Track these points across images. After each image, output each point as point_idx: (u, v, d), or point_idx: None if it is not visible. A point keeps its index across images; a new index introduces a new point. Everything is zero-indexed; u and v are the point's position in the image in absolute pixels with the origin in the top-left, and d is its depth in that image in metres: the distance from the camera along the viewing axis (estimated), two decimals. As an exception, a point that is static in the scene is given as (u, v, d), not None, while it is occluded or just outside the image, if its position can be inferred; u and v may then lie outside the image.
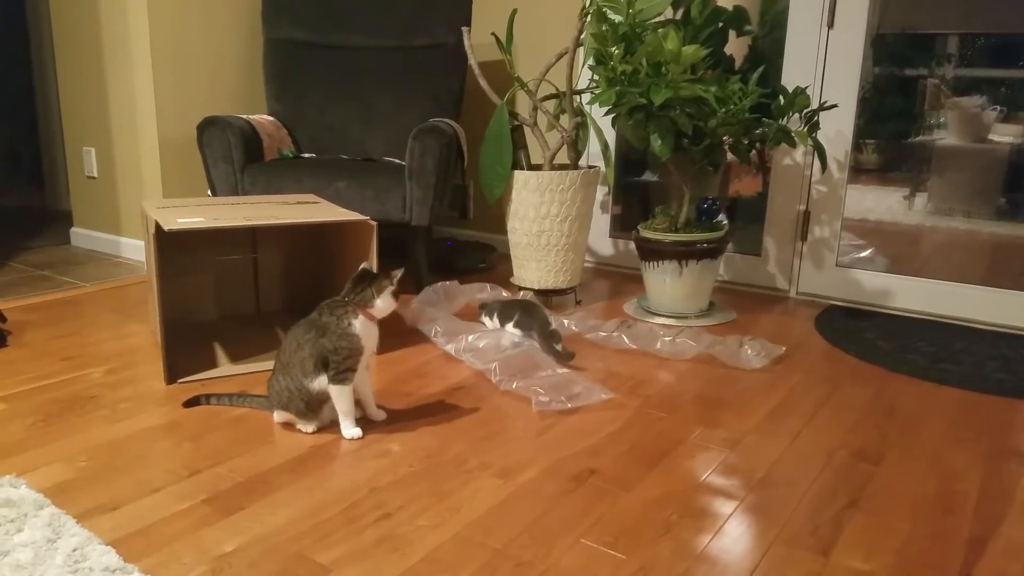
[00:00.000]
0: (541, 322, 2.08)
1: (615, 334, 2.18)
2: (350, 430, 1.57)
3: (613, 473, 1.45)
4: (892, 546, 1.23)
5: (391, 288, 1.56)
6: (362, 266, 1.60)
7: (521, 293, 2.49)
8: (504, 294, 2.48)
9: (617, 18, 2.23)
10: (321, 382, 1.53)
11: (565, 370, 1.90)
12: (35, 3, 3.98)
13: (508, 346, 2.06)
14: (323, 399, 1.56)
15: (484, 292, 2.48)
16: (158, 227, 1.77)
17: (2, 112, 4.35)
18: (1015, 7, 2.48)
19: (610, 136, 2.96)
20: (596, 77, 2.27)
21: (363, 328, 1.54)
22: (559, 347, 2.04)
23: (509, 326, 2.13)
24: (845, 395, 1.87)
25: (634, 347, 2.15)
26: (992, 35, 2.63)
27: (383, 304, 1.55)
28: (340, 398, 1.55)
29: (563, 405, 1.75)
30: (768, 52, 2.71)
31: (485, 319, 2.22)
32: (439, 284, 2.44)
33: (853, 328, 2.40)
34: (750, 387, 1.90)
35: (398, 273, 1.58)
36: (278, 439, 1.56)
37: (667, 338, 2.13)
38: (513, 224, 2.53)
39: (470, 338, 2.07)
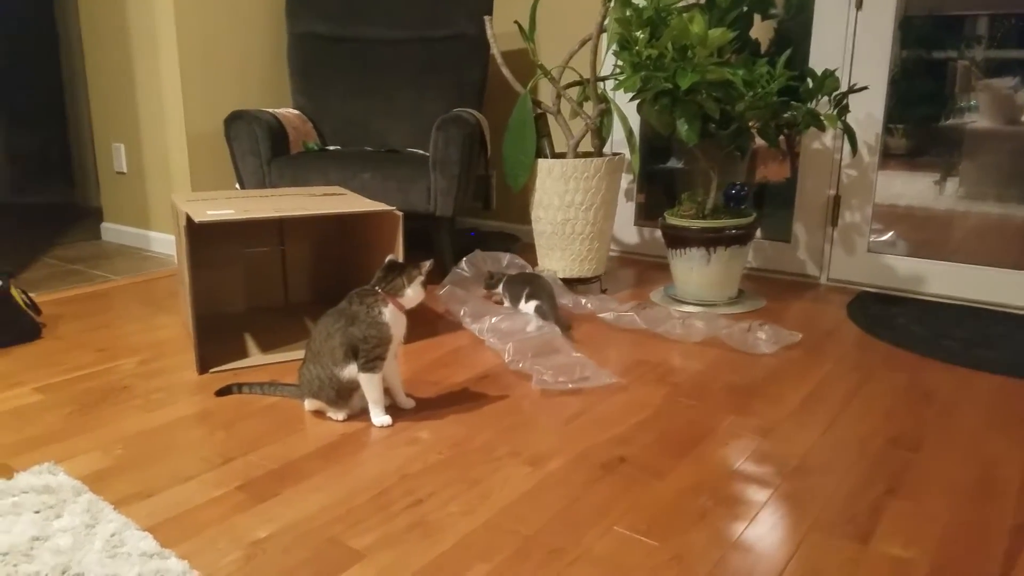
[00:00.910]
0: (548, 294, 2.17)
1: (628, 314, 2.20)
2: (380, 418, 1.58)
3: (644, 461, 1.44)
4: (933, 533, 1.21)
5: (420, 278, 1.56)
6: (389, 257, 1.60)
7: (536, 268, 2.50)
8: (518, 263, 2.49)
9: (641, 3, 2.21)
10: (351, 370, 1.54)
11: (579, 354, 1.90)
12: (63, 1, 4.03)
13: (529, 328, 2.06)
14: (353, 387, 1.56)
15: (506, 259, 2.50)
16: (188, 219, 1.78)
17: (33, 111, 4.42)
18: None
19: (634, 123, 2.93)
20: (620, 63, 2.25)
21: (392, 317, 1.54)
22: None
23: (521, 304, 2.20)
24: (879, 382, 1.84)
25: (644, 327, 2.17)
26: (1022, 15, 2.56)
27: (413, 294, 1.55)
28: (369, 386, 1.56)
29: (564, 386, 1.76)
30: (794, 35, 2.66)
31: (501, 293, 2.29)
32: (464, 260, 2.45)
33: (886, 314, 2.36)
34: (782, 375, 1.88)
35: (427, 264, 1.58)
36: (309, 427, 1.57)
37: (676, 319, 2.12)
38: (537, 213, 2.52)
39: (493, 319, 2.09)
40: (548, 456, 1.45)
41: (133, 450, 1.47)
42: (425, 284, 1.57)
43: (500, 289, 2.31)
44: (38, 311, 2.27)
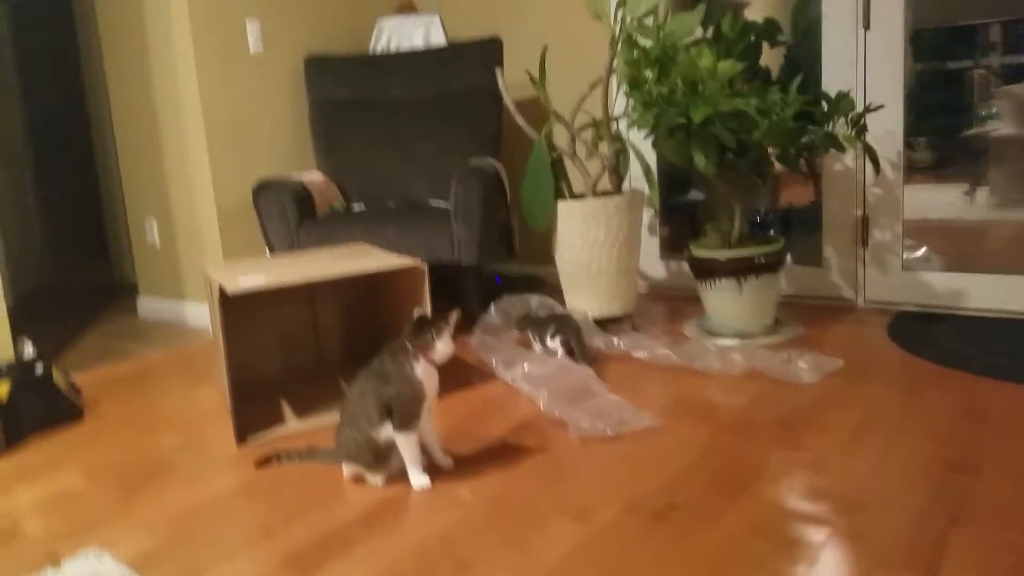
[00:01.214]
0: (575, 329, 2.18)
1: (662, 351, 2.18)
2: (419, 479, 1.56)
3: (695, 507, 1.40)
4: (1007, 562, 1.15)
5: (449, 331, 1.56)
6: (416, 312, 1.60)
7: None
8: (548, 303, 2.48)
9: (648, 43, 2.22)
10: (387, 431, 1.53)
11: (616, 397, 1.86)
12: (94, 83, 4.19)
13: (560, 371, 2.04)
14: (390, 448, 1.55)
15: (535, 301, 2.49)
16: (222, 291, 1.81)
17: (68, 190, 4.57)
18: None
19: (650, 158, 2.93)
20: (632, 102, 2.26)
21: (424, 373, 1.53)
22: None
23: (548, 339, 2.21)
24: (930, 404, 1.78)
25: (680, 363, 2.14)
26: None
27: (443, 347, 1.55)
28: (406, 446, 1.54)
29: (603, 432, 1.72)
30: (803, 60, 2.66)
31: (530, 336, 2.29)
32: (493, 306, 2.45)
33: (928, 333, 2.30)
34: (828, 403, 1.83)
35: (454, 315, 1.57)
36: (349, 493, 1.56)
37: (713, 353, 2.09)
38: (561, 254, 2.51)
39: (526, 366, 2.07)
40: (594, 509, 1.42)
41: (177, 529, 1.47)
42: (454, 336, 1.57)
43: (529, 335, 2.30)
44: (79, 392, 2.30)
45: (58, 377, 2.18)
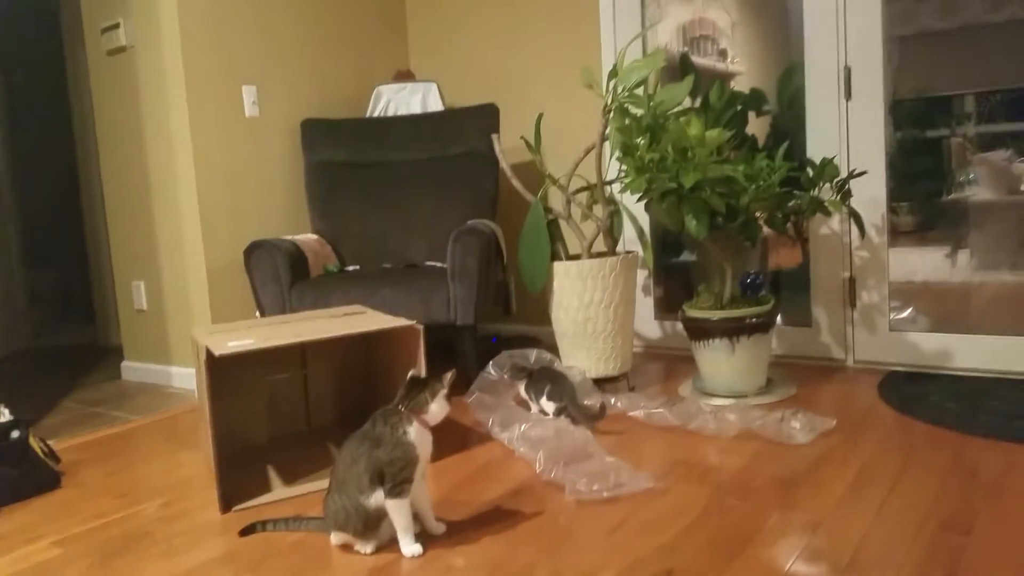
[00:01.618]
0: (569, 391, 2.20)
1: (659, 411, 2.18)
2: (410, 547, 1.51)
3: (693, 571, 1.37)
4: (1013, 629, 1.13)
5: (443, 391, 1.54)
6: (411, 373, 1.58)
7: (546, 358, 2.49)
8: (546, 357, 2.46)
9: (639, 111, 2.29)
10: (378, 497, 1.49)
11: (613, 458, 1.84)
12: (85, 142, 4.23)
13: (557, 433, 2.02)
14: (381, 515, 1.51)
15: (534, 355, 2.47)
16: (209, 353, 1.79)
17: (54, 252, 4.56)
18: (1022, 64, 2.51)
19: (643, 221, 2.98)
20: (625, 167, 2.31)
21: (418, 436, 1.51)
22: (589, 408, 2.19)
23: (543, 400, 2.22)
24: (922, 463, 1.77)
25: (676, 423, 2.14)
26: (1006, 91, 2.65)
27: (437, 408, 1.53)
28: (398, 513, 1.50)
29: (599, 495, 1.70)
30: (789, 128, 2.74)
31: (521, 389, 2.31)
32: (492, 363, 2.44)
33: (918, 392, 2.31)
34: (822, 463, 1.81)
35: (449, 376, 1.56)
36: (337, 563, 1.51)
37: (709, 413, 2.09)
38: (557, 315, 2.52)
39: (523, 427, 2.05)
40: (593, 573, 1.38)
41: (159, 599, 1.41)
42: (449, 397, 1.55)
43: (523, 388, 2.30)
44: (57, 459, 2.24)
45: (35, 443, 2.13)
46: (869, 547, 1.40)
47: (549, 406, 2.21)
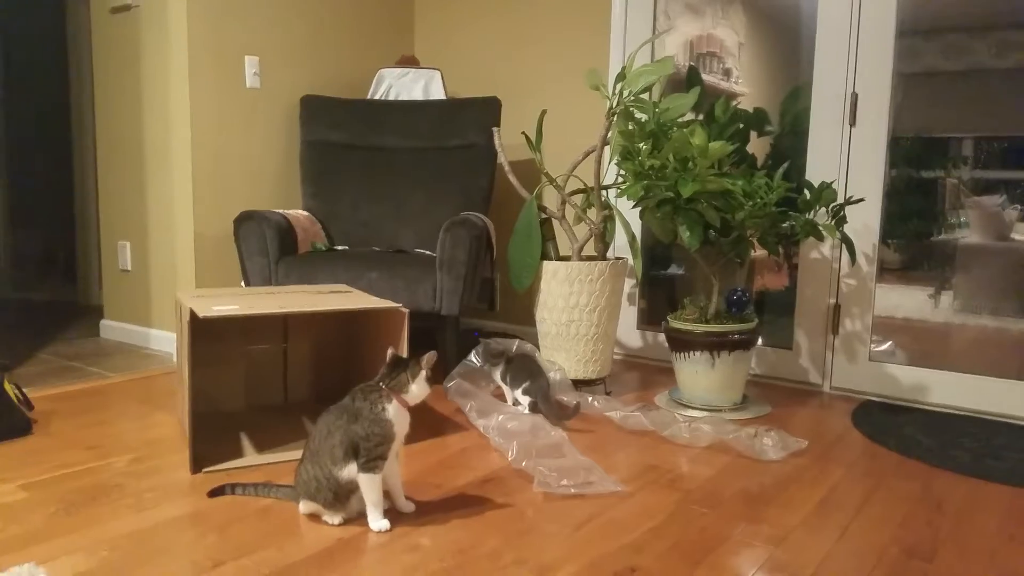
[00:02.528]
0: (544, 389, 2.22)
1: (635, 414, 2.19)
2: (378, 522, 1.52)
3: (655, 571, 1.38)
4: (963, 652, 1.14)
5: (425, 373, 1.55)
6: (391, 352, 1.58)
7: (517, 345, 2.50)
8: (527, 348, 2.48)
9: (643, 117, 2.31)
10: (351, 470, 1.49)
11: (586, 458, 1.86)
12: (80, 107, 4.20)
13: (533, 428, 2.03)
14: (352, 489, 1.51)
15: (515, 345, 2.48)
16: (192, 315, 1.78)
17: (41, 210, 4.51)
18: (1023, 112, 2.55)
19: (636, 229, 3.00)
20: (623, 172, 2.33)
21: (396, 414, 1.51)
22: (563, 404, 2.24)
23: (518, 393, 2.24)
24: (890, 490, 1.79)
25: (651, 428, 2.16)
26: (1005, 138, 2.68)
27: (417, 389, 1.53)
28: (369, 487, 1.51)
29: (567, 490, 1.71)
30: (790, 150, 2.77)
31: (494, 372, 2.32)
32: (474, 351, 2.45)
33: (891, 423, 2.34)
34: (792, 481, 1.83)
35: (431, 357, 1.56)
36: (305, 531, 1.51)
37: (683, 423, 2.11)
38: (542, 314, 2.53)
39: (500, 418, 2.06)
40: (556, 566, 1.39)
41: (120, 552, 1.40)
42: (430, 379, 1.55)
43: (499, 373, 2.31)
44: (31, 406, 2.22)
45: (9, 388, 2.11)
46: (831, 565, 1.42)
47: (524, 399, 2.22)
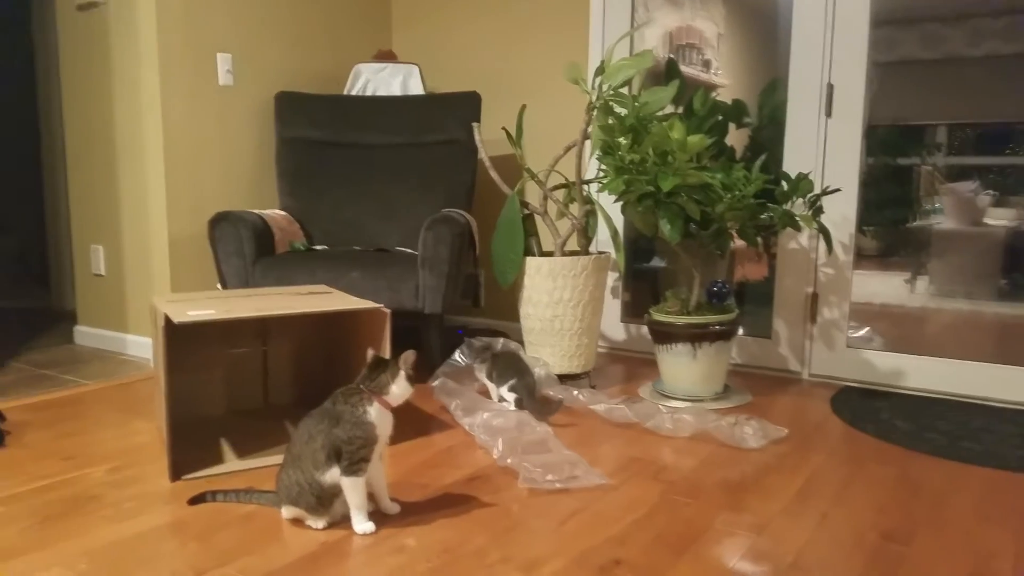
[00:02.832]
0: (530, 386, 2.23)
1: (619, 407, 2.20)
2: (363, 525, 1.50)
3: (641, 563, 1.38)
4: (947, 637, 1.16)
5: (405, 373, 1.53)
6: (371, 353, 1.56)
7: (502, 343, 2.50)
8: (512, 346, 2.48)
9: (623, 111, 2.30)
10: (333, 474, 1.48)
11: (571, 452, 1.86)
12: (49, 108, 4.12)
13: (519, 424, 2.03)
14: (335, 493, 1.50)
15: (500, 343, 2.49)
16: (167, 321, 1.75)
17: (11, 215, 4.43)
18: (996, 99, 2.57)
19: (618, 223, 3.00)
20: (604, 167, 2.32)
21: (378, 416, 1.50)
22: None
23: (503, 390, 2.23)
24: (869, 475, 1.81)
25: (635, 420, 2.17)
26: (978, 124, 2.72)
27: (399, 390, 1.52)
28: (352, 491, 1.49)
29: (552, 485, 1.71)
30: (768, 142, 2.78)
31: (484, 377, 2.31)
32: (458, 349, 2.46)
33: (870, 408, 2.36)
34: (772, 469, 1.84)
35: (411, 356, 1.54)
36: (288, 536, 1.49)
37: (666, 414, 2.12)
38: (526, 310, 2.52)
39: (485, 415, 2.06)
40: (542, 561, 1.39)
41: (99, 565, 1.38)
42: (412, 379, 1.54)
43: (484, 371, 2.31)
44: (3, 418, 2.18)
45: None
46: (812, 551, 1.43)
47: (510, 396, 2.22)
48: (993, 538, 1.49)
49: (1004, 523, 1.55)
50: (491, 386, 2.29)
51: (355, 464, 1.47)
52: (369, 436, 1.48)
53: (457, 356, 2.44)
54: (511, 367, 2.25)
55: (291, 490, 1.51)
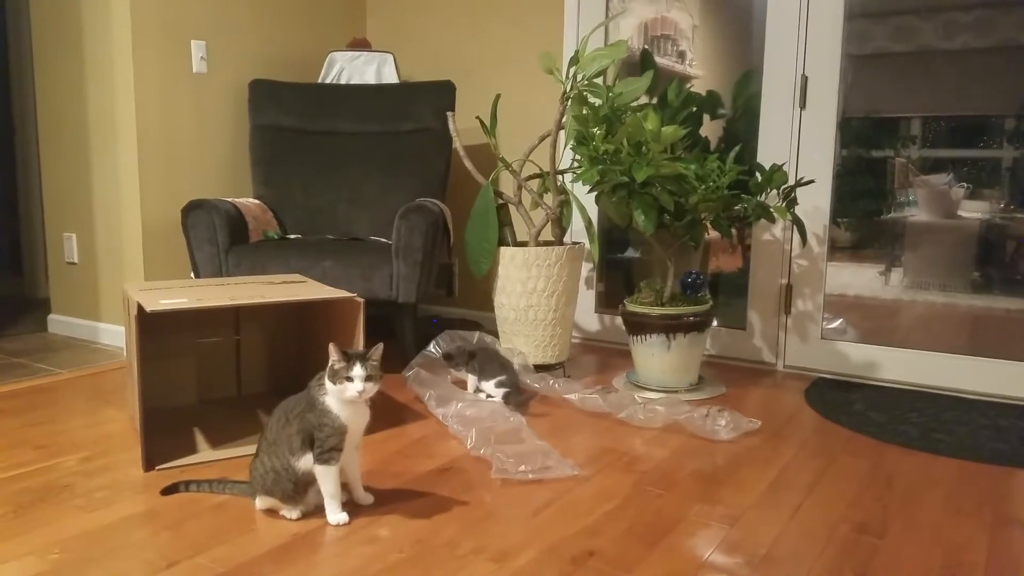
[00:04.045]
0: (516, 382, 2.25)
1: (592, 396, 2.22)
2: (336, 515, 1.50)
3: (613, 554, 1.40)
4: (907, 623, 1.18)
5: (367, 368, 1.46)
6: (332, 347, 1.49)
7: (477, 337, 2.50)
8: (488, 340, 2.49)
9: (597, 101, 2.30)
10: (307, 461, 1.47)
11: (543, 443, 1.87)
12: (22, 95, 4.04)
13: (492, 414, 2.04)
14: (310, 480, 1.50)
15: (475, 337, 2.50)
16: (140, 309, 1.74)
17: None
18: (969, 92, 2.61)
19: (593, 214, 3.00)
20: (578, 157, 2.33)
21: (343, 409, 1.47)
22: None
23: (492, 385, 2.22)
24: (842, 467, 1.84)
25: (607, 410, 2.19)
26: (952, 117, 2.75)
27: (358, 386, 1.45)
28: (325, 479, 1.49)
29: (524, 476, 1.72)
30: (742, 133, 2.80)
31: (464, 372, 2.29)
32: (434, 341, 2.46)
33: (843, 400, 2.39)
34: (745, 461, 1.87)
35: (376, 350, 1.49)
36: (261, 527, 1.49)
37: (639, 404, 2.14)
38: (500, 300, 2.53)
39: (459, 405, 2.06)
40: (515, 552, 1.40)
41: (71, 554, 1.37)
42: (335, 375, 1.46)
43: (466, 367, 2.30)
44: (-26, 406, 2.15)
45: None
46: (785, 543, 1.45)
47: (498, 391, 2.21)
48: (965, 530, 1.51)
49: (976, 515, 1.58)
50: (472, 381, 2.28)
51: (327, 452, 1.46)
52: (336, 426, 1.46)
53: (432, 348, 2.44)
54: (496, 362, 2.26)
55: (266, 478, 1.50)
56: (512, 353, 2.44)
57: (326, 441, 1.46)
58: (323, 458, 1.47)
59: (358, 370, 1.44)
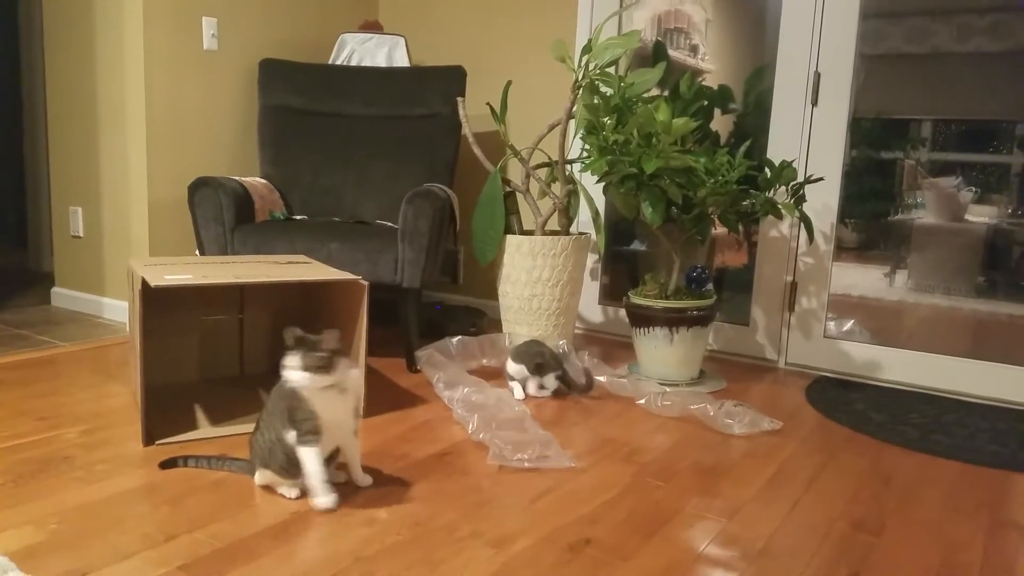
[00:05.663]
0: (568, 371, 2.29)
1: (621, 379, 2.29)
2: (320, 498, 1.47)
3: (610, 543, 1.40)
4: (902, 620, 1.19)
5: (317, 358, 1.42)
6: (287, 331, 1.47)
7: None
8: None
9: (608, 91, 2.29)
10: (293, 436, 1.46)
11: (545, 432, 1.88)
12: (31, 67, 4.03)
13: (497, 401, 2.04)
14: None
15: (495, 349, 2.48)
16: (144, 284, 1.74)
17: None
18: (981, 96, 2.59)
19: (600, 204, 3.00)
20: (588, 146, 2.32)
21: (311, 392, 1.44)
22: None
23: (548, 378, 2.23)
24: (841, 465, 1.84)
25: (631, 394, 2.25)
26: (962, 121, 2.74)
27: (302, 375, 1.43)
28: (305, 460, 1.46)
29: (521, 464, 1.73)
30: (752, 129, 2.79)
31: (517, 379, 2.26)
32: (458, 338, 2.47)
33: (844, 399, 2.39)
34: (746, 455, 1.87)
35: (331, 335, 1.45)
36: (259, 504, 1.50)
37: (656, 392, 2.17)
38: (505, 288, 2.52)
39: (465, 390, 2.07)
40: (513, 537, 1.40)
41: (70, 525, 1.38)
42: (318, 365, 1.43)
43: (530, 369, 2.24)
44: (-24, 376, 2.16)
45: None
46: (782, 538, 1.45)
47: (552, 385, 2.25)
48: (962, 531, 1.51)
49: (973, 517, 1.58)
50: (532, 379, 2.23)
51: (304, 435, 1.45)
52: (306, 409, 1.44)
53: (453, 343, 2.43)
54: (553, 360, 2.24)
55: (263, 451, 1.50)
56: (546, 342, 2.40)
57: (302, 424, 1.45)
58: (302, 439, 1.45)
59: (293, 360, 1.43)
